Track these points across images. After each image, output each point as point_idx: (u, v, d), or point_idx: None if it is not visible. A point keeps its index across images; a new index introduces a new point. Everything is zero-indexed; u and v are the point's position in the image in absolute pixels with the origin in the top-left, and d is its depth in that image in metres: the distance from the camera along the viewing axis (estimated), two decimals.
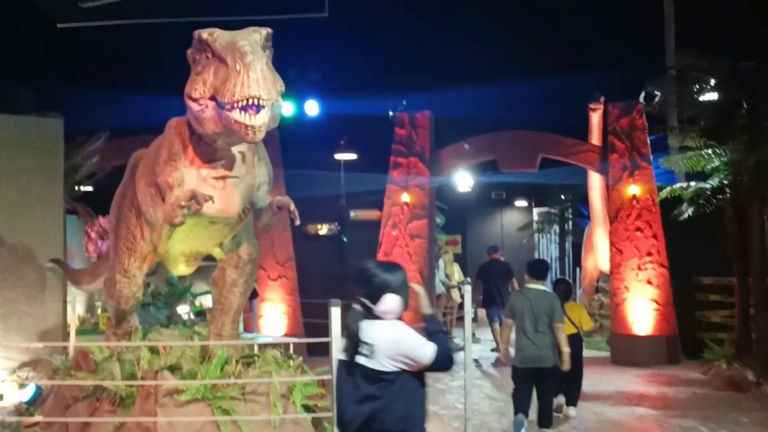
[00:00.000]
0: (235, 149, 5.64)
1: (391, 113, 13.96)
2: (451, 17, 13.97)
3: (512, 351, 8.22)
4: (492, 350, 13.59)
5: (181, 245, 6.35)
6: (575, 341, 8.43)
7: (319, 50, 14.01)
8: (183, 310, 11.04)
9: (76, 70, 12.92)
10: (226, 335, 6.66)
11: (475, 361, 12.88)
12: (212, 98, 5.03)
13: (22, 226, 9.62)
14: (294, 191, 13.84)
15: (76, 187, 11.72)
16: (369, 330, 3.98)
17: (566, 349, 7.70)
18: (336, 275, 13.64)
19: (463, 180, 19.91)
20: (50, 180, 9.84)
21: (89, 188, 12.21)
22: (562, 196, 22.75)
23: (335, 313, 5.55)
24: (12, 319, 9.37)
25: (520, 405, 7.87)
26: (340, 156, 13.35)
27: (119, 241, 6.50)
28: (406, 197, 13.57)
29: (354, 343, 3.99)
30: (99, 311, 15.86)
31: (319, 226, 13.84)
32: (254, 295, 11.77)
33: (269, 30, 5.15)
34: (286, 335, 12.89)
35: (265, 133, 5.03)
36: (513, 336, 8.18)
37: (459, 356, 7.94)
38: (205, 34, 5.12)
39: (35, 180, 9.75)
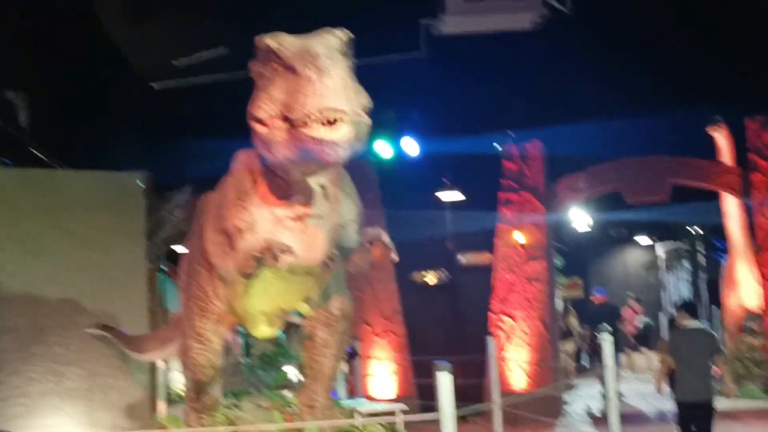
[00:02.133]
0: (314, 182, 4.67)
1: (498, 146, 12.88)
2: (558, 48, 12.82)
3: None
4: None
5: (260, 302, 5.42)
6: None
7: (417, 88, 13.13)
8: (292, 371, 10.13)
9: (164, 123, 12.40)
10: (319, 407, 5.66)
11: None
12: (283, 118, 4.12)
13: (104, 292, 8.95)
14: (396, 236, 12.99)
15: (165, 245, 11.07)
16: None
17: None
18: (449, 327, 12.52)
19: (581, 218, 18.71)
20: (132, 240, 9.15)
21: (180, 246, 11.54)
22: (690, 230, 21.36)
23: (444, 380, 4.40)
24: (96, 395, 8.63)
25: None
26: (443, 195, 12.34)
27: (190, 301, 5.62)
28: (519, 237, 12.41)
29: None
30: None
31: (425, 274, 12.81)
32: (353, 354, 10.80)
33: (348, 33, 4.23)
34: (396, 398, 11.81)
35: (349, 154, 4.09)
36: None
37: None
38: (270, 40, 4.23)
39: (116, 240, 9.09)
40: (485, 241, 12.64)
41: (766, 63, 11.71)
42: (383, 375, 12.25)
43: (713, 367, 7.93)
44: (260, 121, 4.25)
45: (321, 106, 3.91)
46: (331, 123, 3.93)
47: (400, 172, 13.12)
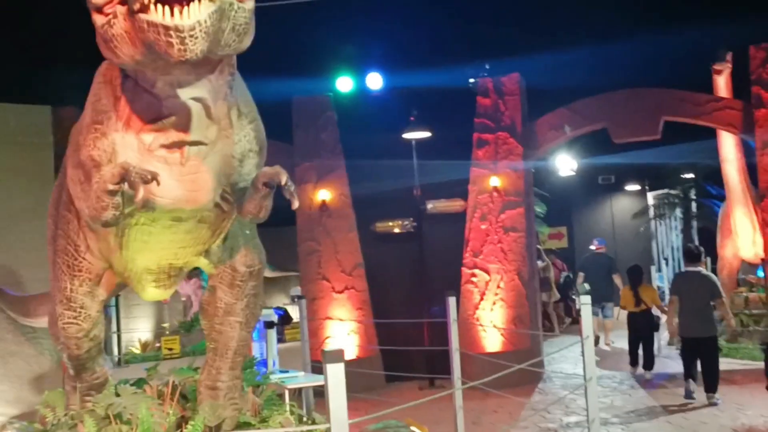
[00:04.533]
0: (191, 96, 3.50)
1: (471, 81, 11.69)
2: None
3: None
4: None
5: (143, 257, 4.32)
6: (648, 317, 10.93)
7: (382, 16, 11.94)
8: None
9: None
10: (223, 388, 4.60)
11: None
12: (122, 1, 2.99)
13: (5, 243, 7.84)
14: (358, 183, 12.00)
15: None
16: None
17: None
18: (415, 283, 11.46)
19: (565, 162, 17.72)
20: (37, 181, 7.99)
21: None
22: (682, 176, 20.54)
23: (334, 373, 3.15)
24: None
25: (689, 371, 9.26)
26: (410, 135, 11.16)
27: (57, 256, 4.51)
28: (495, 181, 11.28)
29: None
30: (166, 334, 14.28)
31: (390, 224, 11.70)
32: (279, 322, 9.74)
33: None
34: (356, 359, 10.80)
35: (211, 47, 2.97)
36: None
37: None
38: None
39: (18, 183, 7.96)
40: (457, 187, 11.52)
41: None
42: (342, 335, 11.22)
43: (714, 306, 9.16)
44: (100, 10, 3.11)
45: None
46: (175, 1, 2.82)
47: (363, 110, 11.97)
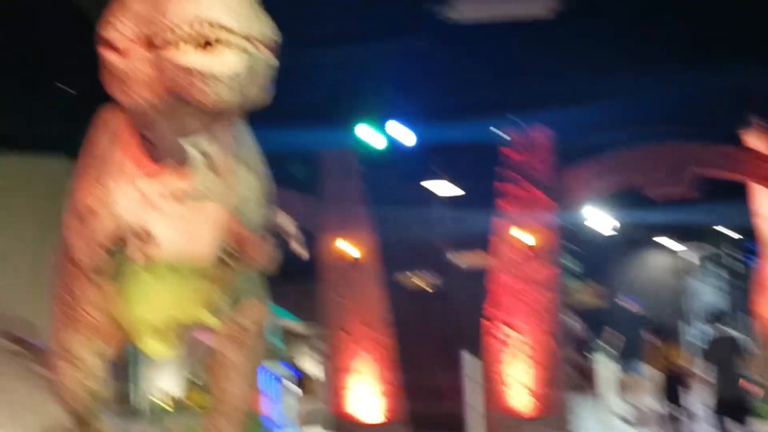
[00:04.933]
0: (194, 145, 3.40)
1: (498, 132, 11.57)
2: (570, 29, 11.54)
3: None
4: None
5: (143, 311, 4.17)
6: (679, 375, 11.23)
7: (409, 67, 11.92)
8: None
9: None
10: None
11: None
12: (145, 41, 2.90)
13: (19, 292, 7.79)
14: (384, 236, 11.81)
15: None
16: None
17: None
18: (441, 339, 11.22)
19: (599, 217, 17.46)
20: (55, 232, 7.95)
21: None
22: (720, 231, 20.22)
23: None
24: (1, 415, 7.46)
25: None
26: (435, 187, 11.08)
27: (56, 307, 4.39)
28: (523, 235, 11.09)
29: None
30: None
31: (416, 277, 11.55)
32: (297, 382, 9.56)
33: None
34: (385, 423, 10.51)
35: (239, 99, 2.86)
36: None
37: None
38: None
39: (34, 233, 7.93)
40: (483, 240, 11.35)
41: None
42: (368, 394, 10.96)
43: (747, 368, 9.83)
44: (112, 46, 3.02)
45: (197, 17, 2.68)
46: (210, 44, 2.70)
47: (388, 162, 11.87)
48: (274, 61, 2.98)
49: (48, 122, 9.00)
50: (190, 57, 2.72)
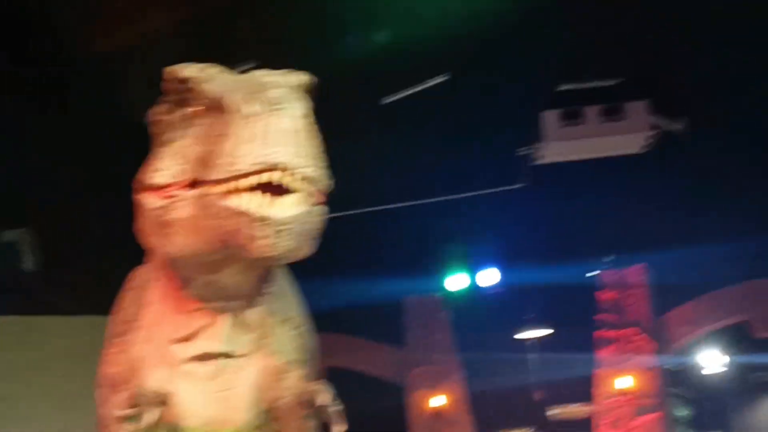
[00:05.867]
0: (228, 301, 3.12)
1: (590, 275, 11.10)
2: (663, 167, 11.23)
3: None
4: None
5: None
6: None
7: (495, 210, 11.71)
8: None
9: None
10: None
11: None
12: (191, 183, 2.65)
13: None
14: (475, 388, 11.29)
15: None
16: None
17: None
18: None
19: (711, 359, 16.40)
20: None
21: None
22: None
23: None
24: None
25: None
26: (527, 334, 10.58)
27: None
28: (625, 383, 10.38)
29: None
30: None
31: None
32: None
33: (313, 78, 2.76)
34: None
35: (297, 251, 2.59)
36: None
37: None
38: (187, 69, 2.78)
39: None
40: (581, 389, 10.69)
41: None
42: None
43: None
44: (156, 189, 2.78)
45: (261, 159, 2.44)
46: (274, 190, 2.48)
47: (477, 308, 11.47)
48: (326, 210, 2.72)
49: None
50: (247, 200, 2.49)
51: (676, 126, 9.91)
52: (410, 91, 8.85)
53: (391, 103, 8.97)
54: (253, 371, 3.32)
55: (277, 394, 3.46)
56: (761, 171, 11.08)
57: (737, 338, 13.21)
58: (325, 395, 3.35)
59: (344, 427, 3.31)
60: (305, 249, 2.62)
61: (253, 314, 3.20)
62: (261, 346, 3.33)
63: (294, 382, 3.48)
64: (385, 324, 11.46)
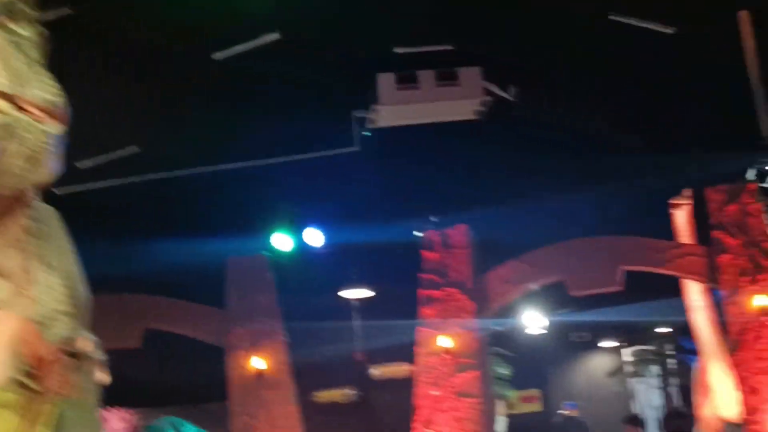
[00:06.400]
0: None
1: (416, 234, 11.13)
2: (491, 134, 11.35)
3: None
4: None
5: None
6: None
7: (320, 171, 11.56)
8: None
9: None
10: None
11: None
12: None
13: None
14: (297, 349, 11.16)
15: None
16: None
17: None
18: None
19: (533, 319, 17.03)
20: None
21: None
22: (657, 330, 19.97)
23: None
24: None
25: None
26: (350, 294, 10.49)
27: None
28: (446, 342, 10.49)
29: None
30: None
31: (333, 393, 10.83)
32: None
33: None
34: None
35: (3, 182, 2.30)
36: None
37: None
38: None
39: None
40: (404, 349, 10.72)
41: (727, 123, 10.34)
42: None
43: None
44: None
45: None
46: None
47: (302, 269, 11.31)
48: (51, 127, 2.41)
49: None
50: None
51: (508, 93, 10.00)
52: (241, 49, 8.51)
53: (222, 63, 8.61)
54: (9, 321, 2.98)
55: (39, 347, 3.13)
56: (573, 139, 11.50)
57: (556, 298, 13.70)
58: (88, 345, 3.06)
59: (107, 378, 3.04)
60: (34, 175, 2.37)
61: (8, 260, 2.86)
62: (19, 295, 2.99)
63: (57, 335, 3.16)
64: (208, 286, 11.12)
